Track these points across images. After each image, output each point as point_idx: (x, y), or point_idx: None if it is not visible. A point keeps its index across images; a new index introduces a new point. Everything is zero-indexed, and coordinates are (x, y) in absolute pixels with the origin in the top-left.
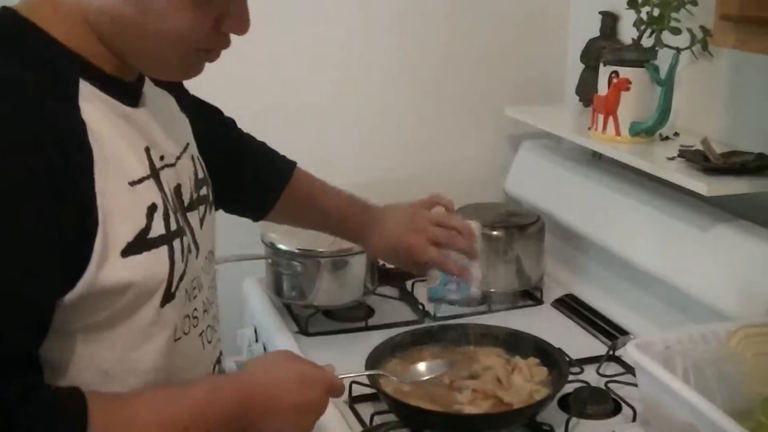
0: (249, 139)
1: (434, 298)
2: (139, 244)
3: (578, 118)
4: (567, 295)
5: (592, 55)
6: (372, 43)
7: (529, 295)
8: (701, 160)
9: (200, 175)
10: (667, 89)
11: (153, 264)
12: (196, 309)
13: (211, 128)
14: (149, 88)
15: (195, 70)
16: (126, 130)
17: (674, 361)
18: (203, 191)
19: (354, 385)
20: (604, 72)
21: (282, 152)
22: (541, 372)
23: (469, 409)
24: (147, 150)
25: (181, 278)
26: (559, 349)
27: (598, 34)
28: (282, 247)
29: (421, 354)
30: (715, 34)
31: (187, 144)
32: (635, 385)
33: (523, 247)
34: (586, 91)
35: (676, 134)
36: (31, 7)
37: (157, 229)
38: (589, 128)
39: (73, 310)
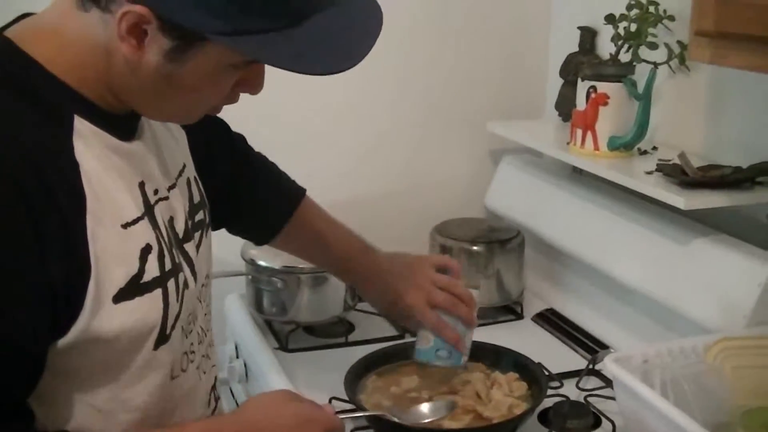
0: (259, 157)
1: (420, 358)
2: (132, 289)
3: (558, 133)
4: (547, 310)
5: (571, 70)
6: None
7: (510, 310)
8: (679, 174)
9: (196, 199)
10: (645, 104)
11: (146, 309)
12: (192, 344)
13: (216, 141)
14: None
15: (197, 119)
16: (121, 166)
17: (652, 375)
18: (199, 216)
19: (334, 401)
20: (582, 87)
21: None
22: (520, 386)
23: (449, 424)
24: (141, 185)
25: (176, 318)
26: (538, 363)
27: (577, 49)
28: (262, 263)
29: (402, 370)
30: (691, 49)
31: (183, 166)
32: (615, 398)
33: (503, 262)
34: (565, 105)
35: (655, 148)
36: (28, 38)
37: (151, 271)
38: (568, 143)
39: (66, 353)
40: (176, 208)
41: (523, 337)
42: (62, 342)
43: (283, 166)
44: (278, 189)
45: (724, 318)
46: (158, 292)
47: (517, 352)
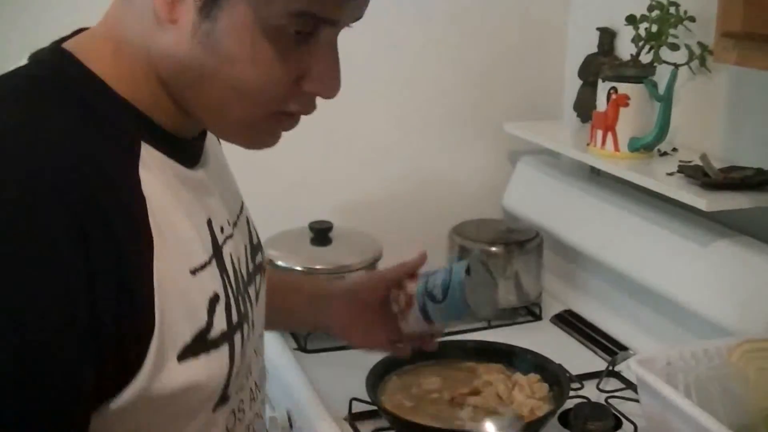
0: None
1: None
2: (198, 345)
3: (577, 134)
4: (566, 311)
5: (590, 71)
6: (368, 59)
7: (528, 311)
8: (700, 176)
9: (255, 240)
10: (666, 105)
11: (212, 368)
12: (242, 401)
13: None
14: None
15: (267, 138)
16: (188, 200)
17: (676, 377)
18: (258, 258)
19: (354, 402)
20: (602, 88)
21: (278, 170)
22: (541, 388)
23: (471, 426)
24: (209, 223)
25: (237, 375)
26: (559, 365)
27: (596, 50)
28: (281, 263)
29: (422, 370)
30: (716, 50)
31: (242, 204)
32: (635, 400)
33: (521, 264)
34: (584, 106)
35: (675, 150)
36: (86, 49)
37: (219, 325)
38: (587, 144)
39: (113, 417)
40: (239, 248)
41: (542, 339)
42: (113, 404)
43: (300, 167)
44: None
45: (745, 320)
46: (225, 348)
47: (537, 353)
